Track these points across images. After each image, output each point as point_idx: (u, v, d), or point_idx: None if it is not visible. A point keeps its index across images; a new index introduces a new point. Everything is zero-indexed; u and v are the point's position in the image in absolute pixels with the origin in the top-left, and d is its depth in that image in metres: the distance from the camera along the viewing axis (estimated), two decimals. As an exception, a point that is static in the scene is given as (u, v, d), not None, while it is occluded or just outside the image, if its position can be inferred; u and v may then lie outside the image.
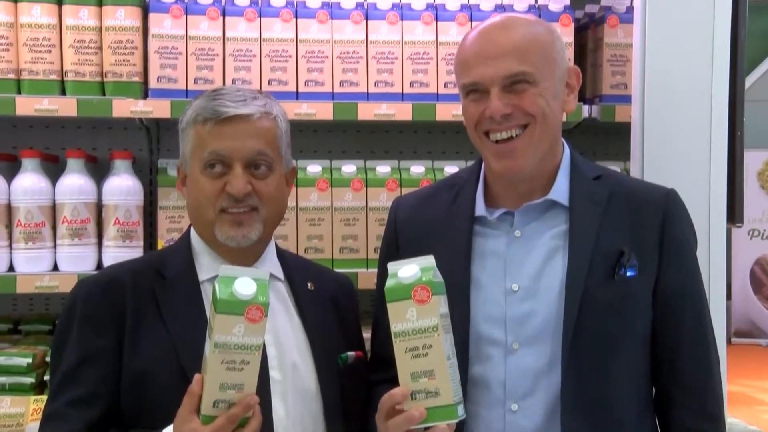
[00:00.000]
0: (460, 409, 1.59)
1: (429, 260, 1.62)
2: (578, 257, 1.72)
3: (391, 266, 1.63)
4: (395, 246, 1.89)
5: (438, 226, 1.83)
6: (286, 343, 1.77)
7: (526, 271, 1.76)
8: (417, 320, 1.57)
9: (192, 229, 1.84)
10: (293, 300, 1.84)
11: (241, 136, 1.72)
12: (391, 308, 1.59)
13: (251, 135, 1.73)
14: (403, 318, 1.58)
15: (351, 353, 1.84)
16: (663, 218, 1.76)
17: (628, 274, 1.71)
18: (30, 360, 2.35)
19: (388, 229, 1.94)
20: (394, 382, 1.62)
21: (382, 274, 1.83)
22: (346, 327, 1.89)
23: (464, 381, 1.69)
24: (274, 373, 1.72)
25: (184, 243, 1.84)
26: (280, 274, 1.85)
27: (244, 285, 1.52)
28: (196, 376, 1.54)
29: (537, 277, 1.75)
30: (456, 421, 1.59)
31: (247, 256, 1.77)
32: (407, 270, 1.60)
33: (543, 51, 1.73)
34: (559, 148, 1.82)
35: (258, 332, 1.52)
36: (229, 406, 1.52)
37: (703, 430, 1.76)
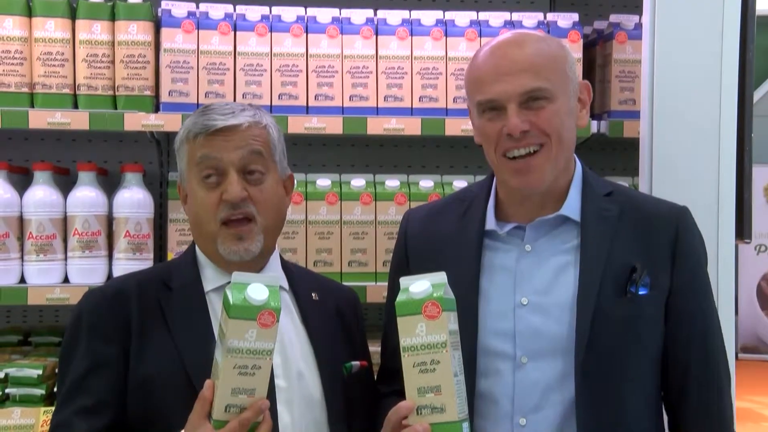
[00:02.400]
0: (465, 426, 1.59)
1: (441, 276, 1.62)
2: (590, 273, 1.72)
3: (403, 281, 1.64)
4: (405, 259, 1.89)
5: (448, 240, 1.83)
6: (292, 352, 1.78)
7: (535, 286, 1.75)
8: (426, 336, 1.57)
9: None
10: (298, 310, 1.84)
11: (233, 145, 1.74)
12: (401, 323, 1.60)
13: (242, 142, 1.75)
14: (412, 333, 1.58)
15: (355, 362, 1.84)
16: (675, 236, 1.75)
17: (640, 292, 1.71)
18: (40, 371, 2.36)
19: (399, 242, 1.94)
20: (402, 394, 1.62)
21: (393, 287, 1.83)
22: (350, 337, 1.90)
23: (472, 394, 1.69)
24: (279, 381, 1.72)
25: (189, 255, 1.85)
26: (285, 284, 1.85)
27: (257, 290, 1.53)
28: (207, 382, 1.56)
29: (547, 291, 1.74)
30: None
31: (250, 267, 1.77)
32: (419, 285, 1.60)
33: (557, 66, 1.73)
34: (572, 164, 1.81)
35: (270, 337, 1.53)
36: (240, 410, 1.54)
37: None
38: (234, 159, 1.73)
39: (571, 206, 1.78)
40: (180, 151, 1.80)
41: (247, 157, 1.74)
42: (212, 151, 1.74)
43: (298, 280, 1.90)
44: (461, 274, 1.73)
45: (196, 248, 1.84)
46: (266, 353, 1.53)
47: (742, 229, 2.29)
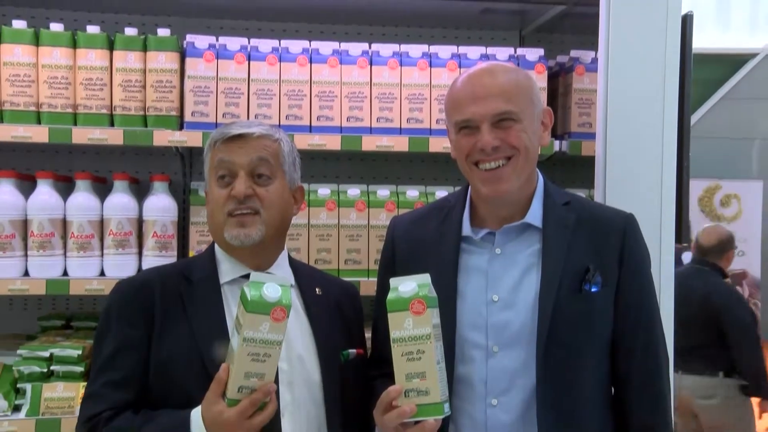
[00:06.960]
0: (446, 407, 1.64)
1: (425, 277, 1.67)
2: (550, 274, 1.76)
3: (393, 281, 1.68)
4: (392, 260, 1.92)
5: (429, 244, 1.86)
6: (294, 339, 1.81)
7: (505, 284, 1.79)
8: (413, 329, 1.61)
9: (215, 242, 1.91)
10: (302, 303, 1.88)
11: (245, 149, 1.80)
12: (391, 317, 1.64)
13: (253, 147, 1.81)
14: (401, 326, 1.62)
15: (352, 350, 1.87)
16: (623, 240, 1.80)
17: (593, 289, 1.76)
18: (80, 351, 2.41)
19: (387, 245, 1.97)
20: (389, 377, 1.68)
21: (382, 284, 1.90)
22: (349, 327, 1.93)
23: (451, 379, 1.73)
24: (282, 364, 1.75)
25: (209, 252, 1.89)
26: (292, 279, 1.90)
27: (272, 289, 1.58)
28: (223, 365, 1.61)
29: (514, 289, 1.78)
30: (442, 417, 1.63)
31: (261, 262, 1.83)
32: (406, 285, 1.65)
33: (525, 93, 1.78)
34: (535, 177, 1.86)
35: (281, 330, 1.58)
36: (251, 391, 1.59)
37: (653, 422, 1.81)
38: (244, 162, 1.79)
39: (534, 214, 1.83)
40: (206, 157, 1.87)
41: (256, 162, 1.79)
42: (227, 155, 1.80)
43: (304, 275, 1.94)
44: (442, 275, 1.77)
45: (215, 246, 1.89)
46: (276, 343, 1.58)
47: (681, 234, 2.35)
